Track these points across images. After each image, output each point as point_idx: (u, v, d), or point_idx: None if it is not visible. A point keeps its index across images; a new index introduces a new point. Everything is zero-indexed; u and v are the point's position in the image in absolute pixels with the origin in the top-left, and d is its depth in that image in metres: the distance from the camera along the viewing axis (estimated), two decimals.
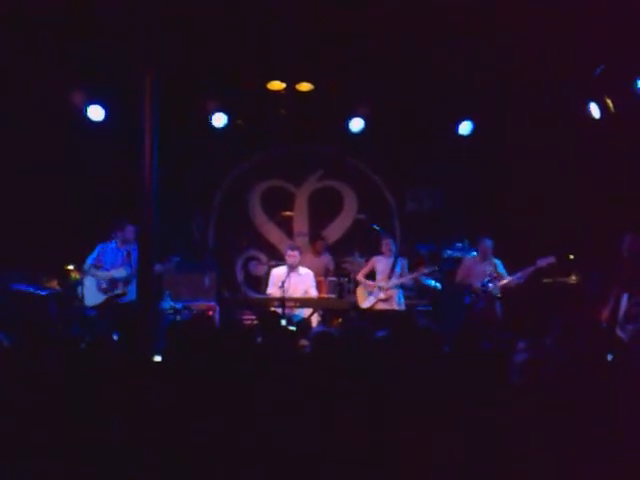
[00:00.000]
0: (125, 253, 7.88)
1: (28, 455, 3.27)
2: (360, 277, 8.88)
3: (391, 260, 8.77)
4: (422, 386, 3.60)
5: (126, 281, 7.78)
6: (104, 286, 7.86)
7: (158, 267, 7.27)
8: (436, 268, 8.99)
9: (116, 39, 7.49)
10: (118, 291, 7.85)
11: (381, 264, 8.81)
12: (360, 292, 8.90)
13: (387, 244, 8.83)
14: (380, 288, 8.70)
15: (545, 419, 3.41)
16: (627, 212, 8.44)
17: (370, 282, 8.80)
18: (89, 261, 7.94)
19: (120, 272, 7.84)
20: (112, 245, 8.00)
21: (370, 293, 8.77)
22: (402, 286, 8.87)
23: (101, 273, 7.87)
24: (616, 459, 3.28)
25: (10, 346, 4.45)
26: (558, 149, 9.38)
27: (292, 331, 6.84)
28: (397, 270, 8.74)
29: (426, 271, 8.90)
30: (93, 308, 7.87)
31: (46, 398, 3.52)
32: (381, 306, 8.69)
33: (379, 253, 8.90)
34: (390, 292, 8.70)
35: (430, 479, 3.23)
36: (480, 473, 3.25)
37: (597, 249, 8.79)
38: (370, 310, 8.66)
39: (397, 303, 8.75)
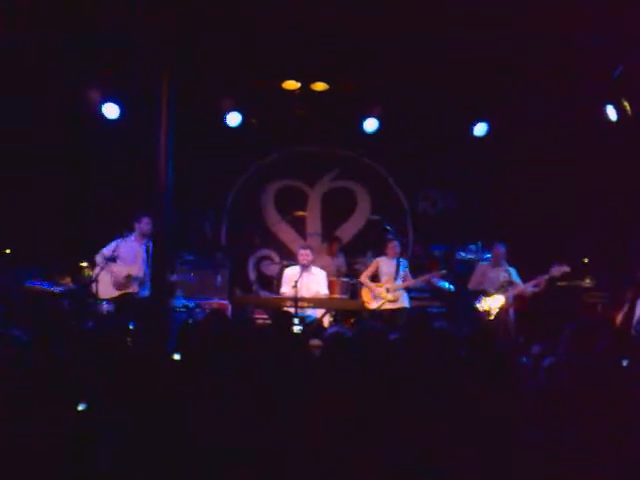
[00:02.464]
0: (144, 248, 7.81)
1: (42, 453, 3.28)
2: (364, 279, 8.80)
3: (395, 261, 8.73)
4: (437, 387, 3.59)
5: (140, 282, 7.74)
6: (117, 284, 7.81)
7: (173, 278, 7.25)
8: (445, 272, 8.95)
9: (132, 38, 7.51)
10: (131, 290, 7.81)
11: (385, 265, 8.76)
12: (365, 293, 8.81)
13: (394, 246, 8.78)
14: (388, 290, 8.64)
15: (560, 424, 3.39)
16: None
17: (373, 284, 8.70)
18: (104, 251, 7.86)
19: (137, 271, 7.78)
20: (131, 238, 7.96)
21: (376, 296, 8.68)
22: (408, 288, 8.82)
23: (117, 268, 7.80)
24: (632, 464, 3.25)
25: (25, 343, 4.46)
26: (574, 152, 9.32)
27: (301, 332, 6.85)
28: (401, 271, 8.71)
29: (435, 275, 8.85)
30: (108, 300, 7.80)
31: (60, 395, 3.53)
32: (389, 307, 8.63)
33: (383, 254, 8.84)
34: (397, 294, 8.66)
35: (444, 479, 3.23)
36: (494, 475, 3.24)
37: (611, 252, 8.74)
38: (380, 311, 8.60)
39: (403, 304, 8.69)
